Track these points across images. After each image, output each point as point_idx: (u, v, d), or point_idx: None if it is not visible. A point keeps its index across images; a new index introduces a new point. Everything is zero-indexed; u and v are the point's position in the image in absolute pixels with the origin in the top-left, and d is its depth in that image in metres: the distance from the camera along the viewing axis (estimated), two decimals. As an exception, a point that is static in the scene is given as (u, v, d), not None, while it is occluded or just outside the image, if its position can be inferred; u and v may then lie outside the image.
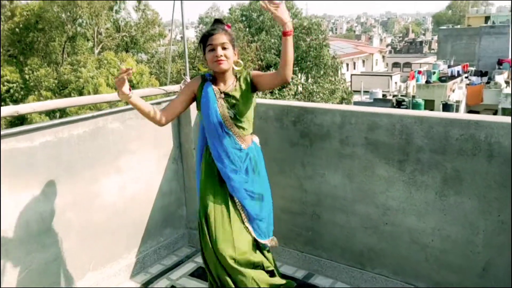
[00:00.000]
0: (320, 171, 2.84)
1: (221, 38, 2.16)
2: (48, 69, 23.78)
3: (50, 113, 18.23)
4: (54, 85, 22.66)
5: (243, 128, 2.28)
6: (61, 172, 2.57)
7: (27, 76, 23.54)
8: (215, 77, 2.28)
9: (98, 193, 2.78)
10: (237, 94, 2.24)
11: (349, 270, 2.83)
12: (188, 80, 3.29)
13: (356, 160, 2.67)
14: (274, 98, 22.37)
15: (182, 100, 2.31)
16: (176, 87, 3.32)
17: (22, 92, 23.58)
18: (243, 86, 2.26)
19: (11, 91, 23.34)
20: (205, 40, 2.20)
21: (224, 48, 2.17)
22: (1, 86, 22.26)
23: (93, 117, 2.73)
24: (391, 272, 2.68)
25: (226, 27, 2.23)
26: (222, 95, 2.24)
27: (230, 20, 28.62)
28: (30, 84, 23.26)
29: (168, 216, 3.29)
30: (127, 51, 27.77)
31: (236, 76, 2.29)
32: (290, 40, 2.06)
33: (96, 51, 26.99)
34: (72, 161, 2.62)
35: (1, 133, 2.28)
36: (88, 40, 28.24)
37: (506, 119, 2.20)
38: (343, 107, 2.77)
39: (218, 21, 2.26)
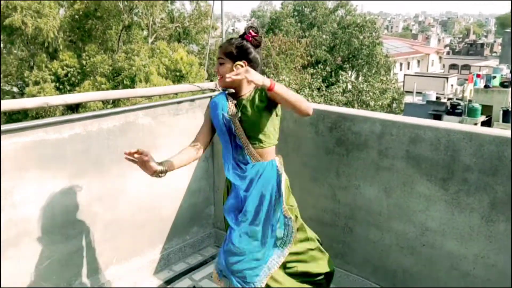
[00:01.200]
0: (355, 182, 2.65)
1: (219, 53, 2.06)
2: (104, 56, 24.62)
3: (104, 103, 18.89)
4: (108, 71, 23.46)
5: (256, 141, 2.03)
6: (89, 166, 2.56)
7: (84, 62, 24.52)
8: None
9: (125, 188, 2.75)
10: (248, 103, 2.01)
11: (380, 290, 2.64)
12: (225, 77, 3.20)
13: (395, 173, 2.47)
14: (321, 95, 21.97)
15: (206, 130, 2.17)
16: (211, 85, 3.24)
17: (78, 77, 24.61)
18: (257, 95, 2.01)
19: (69, 75, 24.42)
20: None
21: (220, 64, 2.04)
22: (60, 70, 23.29)
23: (123, 111, 2.69)
24: (425, 298, 2.47)
25: (237, 40, 2.02)
26: (234, 101, 2.05)
27: (282, 15, 28.40)
28: (86, 70, 24.21)
29: (195, 214, 3.23)
30: (179, 42, 28.29)
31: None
32: (278, 91, 1.81)
33: (150, 41, 27.67)
34: (101, 155, 2.60)
35: (31, 124, 2.29)
36: (142, 29, 29.02)
37: None
38: (384, 115, 2.56)
39: (245, 32, 2.06)
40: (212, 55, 28.87)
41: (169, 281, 2.94)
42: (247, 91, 2.05)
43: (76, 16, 25.81)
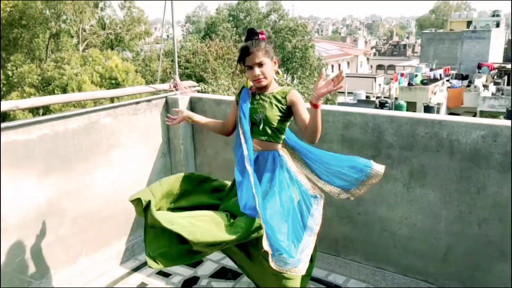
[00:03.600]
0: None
1: (256, 57, 2.15)
2: (32, 66, 23.56)
3: (34, 111, 18.13)
4: (37, 81, 22.47)
5: (267, 135, 2.22)
6: (58, 164, 2.74)
7: (9, 72, 23.32)
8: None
9: (91, 184, 2.95)
10: (268, 99, 2.22)
11: (325, 257, 3.05)
12: (177, 79, 3.49)
13: (333, 155, 2.90)
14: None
15: (233, 113, 2.40)
16: (165, 86, 3.51)
17: (4, 88, 23.35)
18: (278, 96, 2.22)
19: (-6, 86, 23.12)
20: (243, 59, 2.20)
21: (260, 66, 2.17)
22: (-17, 82, 22.01)
23: (87, 112, 2.90)
24: (363, 258, 2.92)
25: (259, 40, 2.20)
26: (257, 97, 2.25)
27: (217, 20, 28.79)
28: (13, 80, 23.02)
29: (156, 207, 3.47)
30: (112, 49, 27.69)
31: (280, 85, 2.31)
32: (319, 112, 2.11)
33: (81, 48, 26.84)
34: (68, 154, 2.79)
35: (2, 126, 2.44)
36: (72, 37, 28.06)
37: (464, 118, 2.45)
38: (322, 106, 2.99)
39: (251, 33, 2.23)
40: (148, 61, 28.57)
41: (135, 269, 3.16)
42: (269, 90, 2.26)
43: (-1, 25, 24.51)
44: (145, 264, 3.22)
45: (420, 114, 2.63)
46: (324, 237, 3.02)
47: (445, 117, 2.53)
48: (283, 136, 2.30)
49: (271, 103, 2.22)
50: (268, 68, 2.20)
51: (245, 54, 2.19)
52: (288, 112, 2.23)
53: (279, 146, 2.31)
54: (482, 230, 2.45)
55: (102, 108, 3.00)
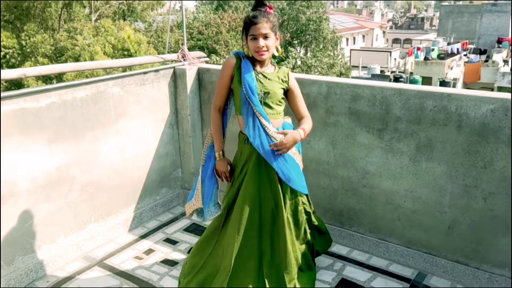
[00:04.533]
0: (306, 138, 3.04)
1: (263, 27, 2.14)
2: (45, 35, 23.55)
3: (47, 80, 18.27)
4: (50, 51, 22.52)
5: (272, 109, 2.28)
6: (66, 132, 2.78)
7: (23, 42, 23.37)
8: (253, 59, 2.28)
9: (99, 152, 2.99)
10: (273, 78, 2.28)
11: (329, 228, 3.06)
12: (186, 50, 3.47)
13: (340, 128, 2.89)
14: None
15: (223, 88, 2.33)
16: (173, 56, 3.49)
17: (19, 58, 23.45)
18: (281, 76, 2.31)
19: (7, 56, 23.22)
20: (247, 27, 2.17)
21: (265, 38, 2.17)
22: (-2, 51, 22.13)
23: (94, 81, 2.91)
24: (367, 230, 2.94)
25: (268, 11, 2.19)
26: (260, 76, 2.26)
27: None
28: (26, 50, 23.09)
29: (164, 177, 3.52)
30: (124, 19, 27.49)
31: (274, 65, 2.35)
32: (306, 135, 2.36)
33: (93, 19, 26.71)
34: (76, 122, 2.83)
35: (10, 93, 2.47)
36: (84, 7, 27.89)
37: (473, 92, 2.40)
38: (329, 78, 2.96)
39: (259, 3, 2.21)
40: (160, 32, 28.36)
41: (143, 236, 3.24)
42: (268, 66, 2.32)
43: (13, -6, 24.43)
44: (152, 231, 3.30)
45: (429, 87, 2.59)
46: (329, 208, 3.06)
47: (454, 90, 2.49)
48: (284, 107, 2.39)
49: (276, 80, 2.29)
50: (272, 42, 2.20)
51: (252, 23, 2.16)
52: (287, 91, 2.37)
53: (284, 116, 2.40)
54: (488, 204, 2.44)
55: (110, 77, 3.01)
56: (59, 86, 2.71)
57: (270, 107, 2.28)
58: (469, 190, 2.48)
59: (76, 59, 20.68)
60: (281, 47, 2.31)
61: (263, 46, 2.17)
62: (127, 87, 3.12)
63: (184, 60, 3.47)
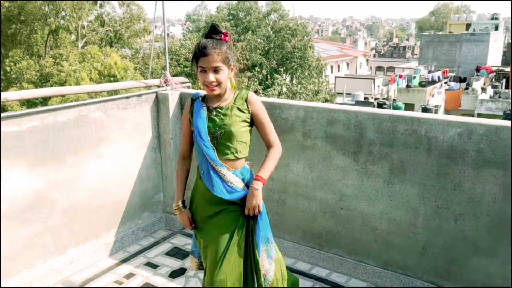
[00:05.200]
0: (285, 161, 3.12)
1: (212, 61, 1.91)
2: (30, 62, 23.61)
3: (32, 106, 18.22)
4: (36, 77, 22.52)
5: (230, 150, 2.02)
6: (47, 156, 2.80)
7: (8, 68, 23.35)
8: (207, 95, 2.09)
9: (80, 176, 3.02)
10: (228, 111, 2.02)
11: (309, 250, 3.13)
12: (168, 75, 3.56)
13: (317, 151, 2.97)
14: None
15: (186, 133, 2.16)
16: (156, 81, 3.58)
17: (3, 84, 23.38)
18: (237, 103, 2.04)
19: (-8, 82, 23.15)
20: (197, 58, 1.95)
21: (216, 71, 1.93)
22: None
23: (77, 105, 2.96)
24: (345, 252, 2.99)
25: (221, 41, 1.96)
26: (214, 113, 2.03)
27: (217, 19, 28.85)
28: (11, 76, 23.07)
29: (146, 200, 3.54)
30: (111, 46, 27.72)
31: (234, 92, 2.08)
32: (268, 177, 2.10)
33: (80, 45, 26.88)
34: (57, 146, 2.86)
35: (-7, 117, 2.51)
36: (71, 33, 28.11)
37: (441, 116, 2.52)
38: (307, 103, 3.06)
39: (213, 30, 1.98)
40: (147, 59, 28.59)
41: (124, 260, 3.23)
42: (224, 99, 2.04)
43: (-2, 20, 24.53)
44: (133, 255, 3.30)
45: (400, 112, 2.71)
46: (308, 230, 3.11)
47: (424, 114, 2.61)
48: (247, 146, 2.10)
49: (233, 115, 2.01)
50: (224, 75, 1.96)
51: (201, 54, 1.92)
52: (251, 120, 2.07)
53: (245, 160, 2.14)
54: (458, 225, 2.53)
55: (92, 102, 3.07)
56: (41, 110, 2.75)
57: (228, 148, 2.02)
58: (440, 212, 2.57)
59: (62, 85, 20.66)
60: (235, 77, 2.08)
61: (212, 81, 1.93)
62: (110, 111, 3.18)
63: (166, 85, 3.55)
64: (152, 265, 3.16)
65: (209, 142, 2.02)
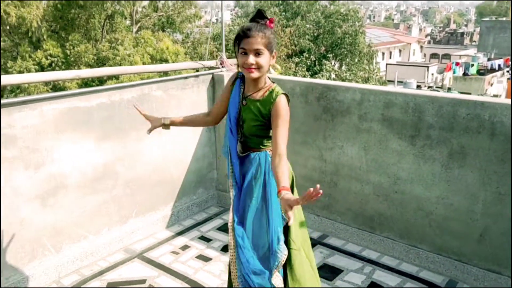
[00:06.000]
0: (339, 144, 3.13)
1: (255, 43, 1.85)
2: (88, 45, 24.64)
3: (87, 86, 19.12)
4: (93, 61, 23.53)
5: (249, 142, 2.02)
6: (113, 131, 2.98)
7: (68, 51, 24.51)
8: (246, 78, 2.02)
9: (142, 151, 3.18)
10: (254, 105, 1.96)
11: (360, 233, 3.14)
12: (224, 57, 3.64)
13: (372, 134, 2.95)
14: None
15: (223, 100, 2.14)
16: (212, 62, 3.67)
17: (63, 67, 24.60)
18: (264, 102, 1.95)
19: (53, 65, 24.41)
20: (239, 40, 1.90)
21: (257, 54, 1.87)
22: (44, 60, 23.26)
23: (140, 84, 3.11)
24: (397, 236, 2.97)
25: (266, 26, 1.91)
26: (244, 101, 2.00)
27: (266, 4, 28.73)
28: (70, 59, 24.20)
29: (200, 177, 3.68)
30: (163, 31, 28.37)
31: (271, 89, 1.97)
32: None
33: (134, 30, 27.71)
34: (122, 121, 3.02)
35: (67, 93, 2.70)
36: (126, 18, 29.00)
37: (507, 100, 2.43)
38: (363, 85, 3.04)
39: (259, 15, 1.94)
40: (197, 44, 29.02)
41: (179, 233, 3.39)
42: (259, 88, 1.98)
43: (59, 5, 25.69)
44: (188, 228, 3.45)
45: (462, 96, 2.63)
46: (360, 213, 3.12)
47: (487, 98, 2.52)
48: (268, 142, 2.02)
49: (255, 111, 1.96)
50: (265, 59, 1.89)
51: (244, 35, 1.87)
52: (269, 122, 1.94)
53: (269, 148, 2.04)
54: (520, 213, 2.45)
55: (153, 81, 3.21)
56: (109, 88, 2.92)
57: (246, 137, 2.01)
58: (502, 198, 2.50)
59: (117, 69, 21.48)
60: (279, 66, 2.05)
61: (252, 64, 1.86)
62: (169, 91, 3.31)
63: (222, 66, 3.64)
64: (205, 239, 3.30)
65: (235, 129, 2.01)
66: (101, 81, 17.76)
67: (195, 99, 3.49)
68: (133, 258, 3.06)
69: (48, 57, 24.08)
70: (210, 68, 3.68)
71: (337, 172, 3.19)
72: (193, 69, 3.77)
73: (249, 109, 1.98)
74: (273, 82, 2.01)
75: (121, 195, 3.09)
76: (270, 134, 1.98)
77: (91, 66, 23.38)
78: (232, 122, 2.02)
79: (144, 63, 21.56)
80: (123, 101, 3.01)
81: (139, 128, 3.13)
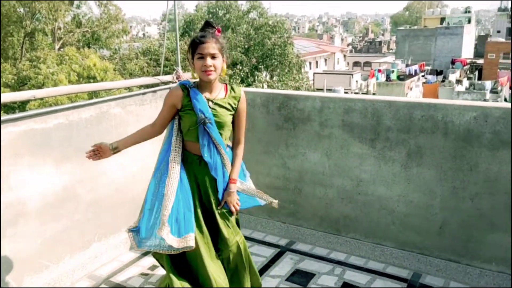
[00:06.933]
0: (302, 151, 3.23)
1: (211, 47, 2.10)
2: (6, 65, 23.11)
3: (8, 110, 17.87)
4: (13, 81, 22.06)
5: (222, 136, 2.28)
6: (72, 152, 2.83)
7: (-17, 72, 22.81)
8: (200, 85, 2.24)
9: (103, 171, 3.05)
10: (223, 104, 2.24)
11: (326, 236, 3.24)
12: (180, 71, 3.61)
13: (334, 139, 3.09)
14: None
15: (167, 113, 2.36)
16: (169, 77, 3.62)
17: (-23, 89, 22.81)
18: (231, 100, 2.26)
19: (-34, 86, 22.55)
20: (195, 47, 2.13)
21: (213, 58, 2.12)
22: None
23: (98, 102, 3.00)
24: (363, 235, 3.11)
25: (216, 33, 2.17)
26: (211, 103, 2.22)
27: (196, 18, 28.79)
28: (-14, 80, 22.54)
29: (162, 195, 3.58)
30: (89, 47, 27.32)
31: (225, 84, 2.29)
32: (237, 174, 2.36)
33: (57, 47, 26.40)
34: (81, 142, 2.87)
35: (20, 114, 2.53)
36: (47, 35, 27.56)
37: (458, 102, 2.67)
38: (323, 94, 3.19)
39: (208, 25, 2.19)
40: (125, 59, 28.27)
41: (145, 253, 3.27)
42: (218, 91, 2.26)
43: (-28, 23, 23.89)
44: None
45: (417, 99, 2.84)
46: (325, 217, 3.22)
47: (440, 100, 2.75)
48: (230, 132, 2.37)
49: (226, 107, 2.25)
50: (219, 62, 2.15)
51: (200, 42, 2.10)
52: (234, 113, 2.30)
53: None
54: (475, 204, 2.68)
55: (112, 98, 3.10)
56: (66, 107, 2.78)
57: (220, 134, 2.27)
58: (457, 192, 2.72)
59: (40, 88, 20.29)
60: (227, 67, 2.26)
61: (210, 65, 2.11)
62: (128, 107, 3.22)
63: (178, 80, 3.61)
64: (173, 257, 3.22)
65: (215, 127, 2.24)
66: (23, 103, 16.70)
67: (153, 114, 3.39)
68: (99, 284, 2.91)
69: (-42, 80, 22.21)
70: (166, 83, 3.64)
71: (301, 179, 3.28)
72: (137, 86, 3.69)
73: (220, 107, 2.24)
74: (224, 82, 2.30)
75: (83, 219, 2.94)
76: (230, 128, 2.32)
77: (10, 87, 21.88)
78: (211, 118, 2.22)
79: (70, 81, 20.56)
80: (81, 120, 2.87)
81: (99, 148, 3.01)
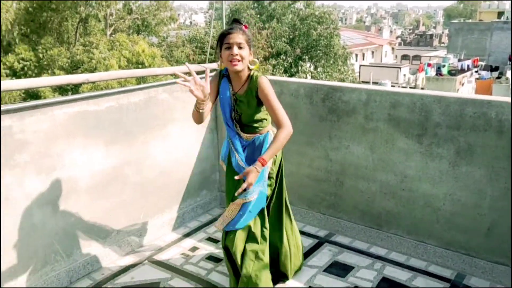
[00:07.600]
0: (345, 143, 3.19)
1: (237, 37, 2.19)
2: (61, 49, 24.09)
3: (63, 92, 18.71)
4: (67, 64, 23.00)
5: (248, 127, 2.38)
6: (121, 134, 2.95)
7: (40, 55, 23.89)
8: (229, 76, 2.36)
9: (149, 154, 3.16)
10: (244, 99, 2.32)
11: (367, 230, 3.20)
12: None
13: (379, 133, 3.02)
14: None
15: (210, 94, 2.31)
16: (214, 65, 3.67)
17: (36, 70, 23.95)
18: (250, 92, 2.31)
19: (25, 69, 23.74)
20: (223, 38, 2.23)
21: (240, 48, 2.20)
22: (16, 63, 22.63)
23: (146, 87, 3.09)
24: (405, 232, 3.05)
25: (243, 27, 2.27)
26: (234, 97, 2.35)
27: (242, 7, 28.82)
28: (43, 63, 23.60)
29: (204, 179, 3.67)
30: (138, 34, 28.03)
31: (250, 76, 2.32)
32: (269, 159, 2.25)
33: (108, 33, 27.27)
34: (130, 125, 3.00)
35: (77, 96, 2.66)
36: (100, 21, 28.51)
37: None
38: (369, 86, 3.11)
39: (236, 21, 2.30)
40: (173, 47, 28.79)
41: (186, 235, 3.38)
42: (242, 84, 2.32)
43: (30, 9, 25.03)
44: (194, 230, 3.45)
45: (469, 95, 2.73)
46: (367, 211, 3.18)
47: (494, 97, 2.62)
48: (267, 120, 2.42)
49: (248, 100, 2.31)
50: (246, 52, 2.23)
51: (227, 33, 2.21)
52: (261, 103, 2.31)
53: (268, 128, 2.45)
54: (527, 206, 2.56)
55: (160, 84, 3.19)
56: (117, 91, 2.89)
57: (246, 125, 2.38)
58: (509, 193, 2.60)
59: (92, 72, 21.07)
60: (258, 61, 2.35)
61: (236, 54, 2.19)
62: (175, 93, 3.29)
63: (225, 69, 3.64)
64: (213, 240, 3.30)
65: (232, 123, 2.38)
66: (76, 86, 17.42)
67: (199, 101, 3.48)
68: (143, 261, 3.03)
69: (21, 61, 23.43)
70: (212, 70, 3.68)
71: (343, 172, 3.25)
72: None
73: (242, 103, 2.33)
74: (250, 70, 2.32)
75: (129, 199, 3.06)
76: (266, 116, 2.39)
77: (65, 70, 22.84)
78: (228, 117, 2.40)
79: (120, 66, 21.22)
80: (130, 104, 2.98)
81: (146, 131, 3.12)
